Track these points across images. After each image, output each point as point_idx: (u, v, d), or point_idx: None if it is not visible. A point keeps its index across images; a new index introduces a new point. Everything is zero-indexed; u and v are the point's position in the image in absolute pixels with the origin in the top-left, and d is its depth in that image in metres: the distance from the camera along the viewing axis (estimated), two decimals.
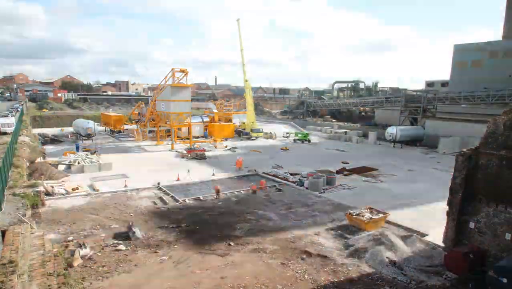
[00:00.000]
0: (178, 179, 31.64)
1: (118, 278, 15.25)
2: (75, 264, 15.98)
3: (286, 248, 18.56)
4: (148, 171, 35.11)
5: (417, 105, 62.58)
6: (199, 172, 35.01)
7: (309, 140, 59.46)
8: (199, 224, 21.68)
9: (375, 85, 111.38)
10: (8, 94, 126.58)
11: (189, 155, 43.12)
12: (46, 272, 12.82)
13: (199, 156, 42.58)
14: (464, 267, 15.26)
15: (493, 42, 70.86)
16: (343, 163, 41.16)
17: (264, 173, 35.45)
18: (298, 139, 60.04)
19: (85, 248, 17.23)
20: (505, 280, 13.49)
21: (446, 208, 17.84)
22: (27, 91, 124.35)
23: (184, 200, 26.18)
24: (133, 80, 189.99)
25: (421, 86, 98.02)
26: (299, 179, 31.93)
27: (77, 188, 28.01)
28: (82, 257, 16.61)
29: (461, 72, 73.14)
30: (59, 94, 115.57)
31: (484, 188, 16.33)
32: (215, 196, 27.00)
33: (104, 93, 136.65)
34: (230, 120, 67.91)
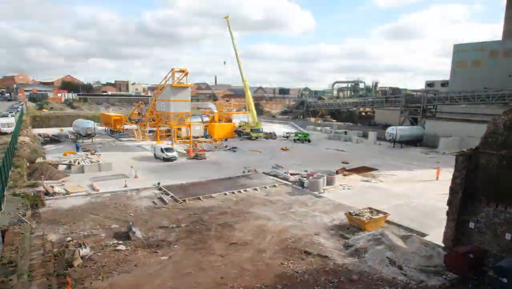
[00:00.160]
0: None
1: (118, 278, 15.25)
2: (75, 264, 15.98)
3: (286, 248, 18.55)
4: (148, 171, 35.10)
5: (417, 105, 62.58)
6: (198, 172, 35.02)
7: (309, 140, 59.46)
8: (199, 224, 21.69)
9: (375, 85, 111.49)
10: (8, 94, 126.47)
11: (189, 155, 43.14)
12: (46, 272, 12.82)
13: (199, 156, 42.59)
14: (464, 267, 15.26)
15: (493, 42, 70.90)
16: (343, 163, 41.15)
17: (264, 172, 35.46)
18: (298, 139, 60.03)
19: (85, 248, 17.23)
20: (505, 280, 13.50)
21: (446, 208, 17.85)
22: (27, 91, 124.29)
23: (184, 200, 26.19)
24: (133, 80, 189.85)
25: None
26: (299, 179, 31.93)
27: (77, 188, 28.02)
28: (82, 257, 16.61)
29: (461, 72, 73.18)
30: (59, 94, 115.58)
31: (484, 188, 16.33)
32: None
33: (104, 93, 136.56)
34: (230, 120, 67.91)
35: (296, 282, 15.30)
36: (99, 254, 17.42)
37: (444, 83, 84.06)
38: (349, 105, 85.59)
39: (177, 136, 55.98)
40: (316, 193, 28.77)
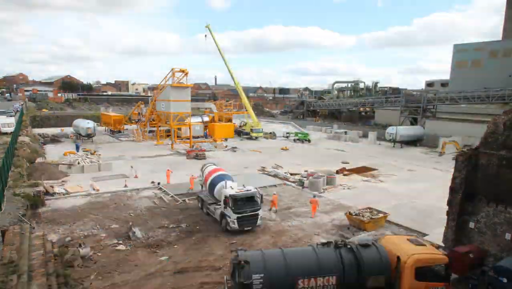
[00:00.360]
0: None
1: (118, 278, 15.25)
2: (75, 264, 15.98)
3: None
4: (148, 170, 35.10)
5: (417, 105, 62.59)
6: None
7: (309, 140, 59.47)
8: (199, 224, 21.68)
9: (375, 85, 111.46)
10: (8, 94, 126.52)
11: (189, 155, 43.17)
12: (46, 272, 12.83)
13: (199, 156, 42.60)
14: (464, 267, 15.26)
15: (493, 42, 70.90)
16: (343, 163, 41.16)
17: (264, 173, 35.47)
18: (298, 139, 60.04)
19: (85, 248, 17.23)
20: (505, 280, 13.49)
21: (446, 208, 17.85)
22: (27, 91, 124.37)
23: (184, 200, 26.19)
24: (133, 80, 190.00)
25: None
26: (299, 179, 31.93)
27: (77, 188, 28.03)
28: (82, 257, 16.61)
29: (461, 72, 73.17)
30: (59, 94, 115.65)
31: (484, 188, 16.33)
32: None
33: (104, 93, 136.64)
34: (230, 120, 67.91)
35: None
36: (99, 254, 17.43)
37: (444, 83, 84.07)
38: (349, 105, 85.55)
39: (177, 136, 56.02)
40: (316, 192, 28.77)
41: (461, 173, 16.87)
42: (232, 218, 19.63)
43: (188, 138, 52.35)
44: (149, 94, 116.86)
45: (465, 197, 16.93)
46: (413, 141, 56.85)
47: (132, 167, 33.93)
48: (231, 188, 20.41)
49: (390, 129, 55.81)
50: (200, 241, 19.28)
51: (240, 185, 21.36)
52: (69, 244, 17.68)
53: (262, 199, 20.93)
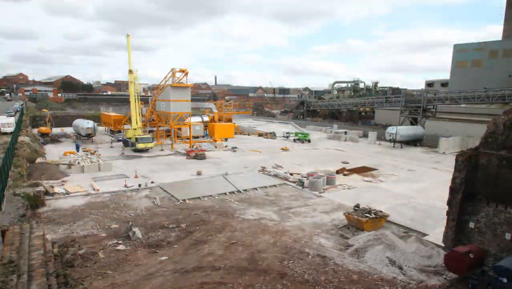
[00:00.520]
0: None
1: (118, 278, 15.25)
2: (75, 264, 15.98)
3: (286, 248, 18.55)
4: (148, 170, 35.11)
5: (417, 105, 62.57)
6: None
7: (309, 140, 59.43)
8: (199, 224, 21.69)
9: (375, 85, 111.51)
10: (8, 94, 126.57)
11: (189, 155, 43.14)
12: (46, 272, 12.82)
13: (199, 156, 42.59)
14: (464, 267, 15.27)
15: (493, 42, 70.92)
16: (343, 163, 41.15)
17: (264, 173, 35.46)
18: (298, 139, 60.00)
19: (85, 248, 17.22)
20: (505, 280, 13.50)
21: (446, 208, 17.86)
22: (27, 91, 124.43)
23: (184, 200, 26.20)
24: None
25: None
26: (298, 179, 31.93)
27: (77, 188, 28.02)
28: (82, 257, 16.61)
29: (461, 72, 73.20)
30: (59, 94, 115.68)
31: (484, 188, 16.34)
32: None
33: (104, 93, 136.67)
34: (230, 120, 67.91)
35: (296, 282, 15.30)
36: (99, 254, 17.43)
37: (444, 83, 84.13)
38: (349, 105, 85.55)
39: (177, 136, 56.00)
40: (316, 193, 28.78)
41: (461, 173, 16.88)
42: None
43: (188, 138, 52.35)
44: (149, 94, 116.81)
45: (465, 197, 16.95)
46: (413, 141, 56.85)
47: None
48: None
49: (390, 129, 55.80)
50: (200, 241, 19.28)
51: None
52: (69, 244, 17.65)
53: None
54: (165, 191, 28.31)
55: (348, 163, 40.88)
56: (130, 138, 46.56)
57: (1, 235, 16.07)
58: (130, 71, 47.86)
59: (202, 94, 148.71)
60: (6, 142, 37.93)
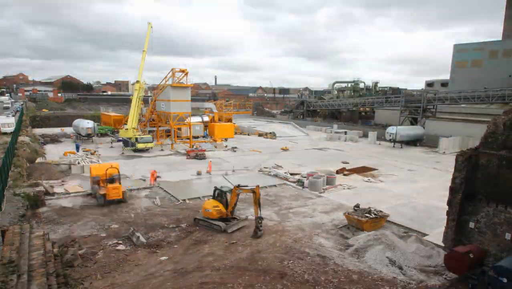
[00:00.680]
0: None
1: (118, 278, 15.25)
2: (75, 264, 15.98)
3: (286, 248, 18.55)
4: (148, 170, 35.06)
5: (417, 105, 62.58)
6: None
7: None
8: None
9: (375, 85, 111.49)
10: (8, 94, 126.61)
11: (189, 154, 43.15)
12: (46, 272, 12.82)
13: (199, 156, 42.60)
14: (464, 267, 15.27)
15: (493, 42, 70.95)
16: (343, 162, 41.16)
17: (264, 173, 35.46)
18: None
19: (85, 248, 17.21)
20: (505, 280, 13.50)
21: (446, 207, 17.85)
22: (27, 91, 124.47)
23: (184, 200, 26.20)
24: (133, 80, 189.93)
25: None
26: (298, 179, 31.93)
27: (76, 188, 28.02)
28: (82, 257, 16.61)
29: (461, 72, 73.22)
30: (59, 94, 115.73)
31: (484, 188, 16.34)
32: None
33: (104, 93, 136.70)
34: (230, 120, 67.90)
35: (296, 282, 15.30)
36: (99, 254, 17.43)
37: (444, 83, 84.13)
38: (349, 105, 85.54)
39: (177, 136, 56.00)
40: (316, 192, 28.78)
41: (461, 173, 16.88)
42: None
43: (188, 138, 52.35)
44: (149, 94, 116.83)
45: (465, 197, 16.94)
46: (413, 141, 56.86)
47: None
48: None
49: (390, 129, 55.80)
50: (200, 241, 19.28)
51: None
52: (69, 244, 17.66)
53: None
54: (165, 191, 28.32)
55: (348, 163, 40.89)
56: (130, 138, 46.68)
57: (1, 235, 16.07)
58: (137, 82, 48.95)
59: (202, 94, 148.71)
60: (6, 142, 37.94)
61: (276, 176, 34.34)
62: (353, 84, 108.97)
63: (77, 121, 55.46)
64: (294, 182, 31.84)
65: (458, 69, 74.26)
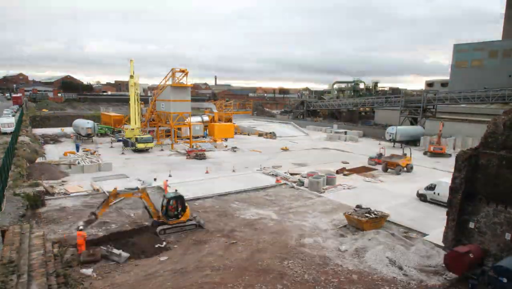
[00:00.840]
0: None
1: (118, 278, 15.25)
2: (75, 264, 15.97)
3: (286, 248, 18.55)
4: (148, 171, 35.10)
5: (417, 105, 62.58)
6: (198, 172, 35.02)
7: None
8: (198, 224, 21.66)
9: (375, 85, 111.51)
10: (8, 94, 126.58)
11: (189, 155, 43.15)
12: (46, 272, 12.82)
13: (199, 156, 42.59)
14: (464, 267, 15.27)
15: (493, 42, 70.97)
16: (343, 162, 41.15)
17: (264, 173, 35.46)
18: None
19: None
20: (505, 280, 13.50)
21: (446, 208, 17.85)
22: (27, 91, 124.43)
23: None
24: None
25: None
26: (298, 179, 31.93)
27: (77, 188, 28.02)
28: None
29: (461, 72, 73.22)
30: (59, 94, 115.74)
31: (484, 188, 16.34)
32: None
33: (104, 94, 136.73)
34: (230, 120, 67.91)
35: (296, 282, 15.30)
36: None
37: (444, 83, 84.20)
38: (349, 105, 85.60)
39: (177, 136, 55.98)
40: (316, 192, 28.77)
41: (461, 173, 16.88)
42: None
43: (188, 138, 52.35)
44: (149, 94, 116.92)
45: (465, 197, 16.94)
46: (413, 141, 56.85)
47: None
48: None
49: (390, 129, 55.81)
50: (200, 241, 19.28)
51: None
52: (69, 244, 17.64)
53: None
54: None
55: (348, 163, 40.88)
56: (130, 138, 46.71)
57: (1, 235, 16.07)
58: (131, 77, 48.39)
59: (202, 94, 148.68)
60: (6, 142, 37.93)
61: (276, 175, 34.31)
62: (353, 84, 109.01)
63: (77, 121, 55.45)
64: (294, 182, 31.83)
65: (458, 69, 74.29)
